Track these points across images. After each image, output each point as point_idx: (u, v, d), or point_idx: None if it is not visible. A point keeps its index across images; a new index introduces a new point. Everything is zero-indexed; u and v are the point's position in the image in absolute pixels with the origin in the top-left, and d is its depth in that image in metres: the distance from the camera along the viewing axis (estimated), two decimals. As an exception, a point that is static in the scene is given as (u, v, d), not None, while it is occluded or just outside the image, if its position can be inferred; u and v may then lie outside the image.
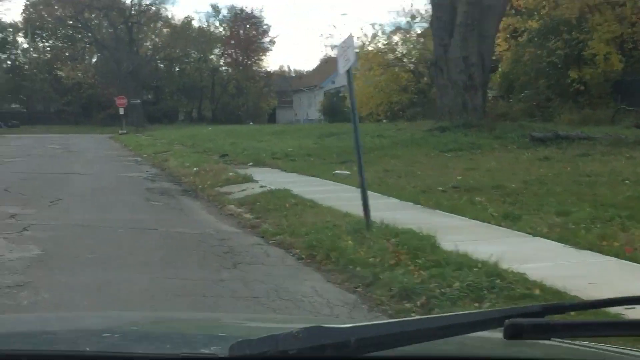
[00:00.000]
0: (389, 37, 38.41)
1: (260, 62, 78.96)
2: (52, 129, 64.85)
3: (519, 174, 13.09)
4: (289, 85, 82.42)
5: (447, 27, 20.60)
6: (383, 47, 38.71)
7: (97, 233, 8.65)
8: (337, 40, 77.60)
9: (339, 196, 11.55)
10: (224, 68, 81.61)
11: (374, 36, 38.94)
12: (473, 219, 8.91)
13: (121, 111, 49.42)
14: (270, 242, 8.46)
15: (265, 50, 76.66)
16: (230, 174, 15.25)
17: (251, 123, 63.11)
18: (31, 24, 79.62)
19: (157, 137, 39.69)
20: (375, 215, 8.42)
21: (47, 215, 9.93)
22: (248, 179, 14.20)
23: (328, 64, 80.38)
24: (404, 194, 11.20)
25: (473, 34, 20.25)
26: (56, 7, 71.30)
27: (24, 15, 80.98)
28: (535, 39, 29.11)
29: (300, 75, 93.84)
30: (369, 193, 12.10)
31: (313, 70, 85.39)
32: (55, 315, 3.67)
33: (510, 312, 1.35)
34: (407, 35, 37.92)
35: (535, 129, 20.09)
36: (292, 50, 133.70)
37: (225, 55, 77.96)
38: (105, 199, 12.47)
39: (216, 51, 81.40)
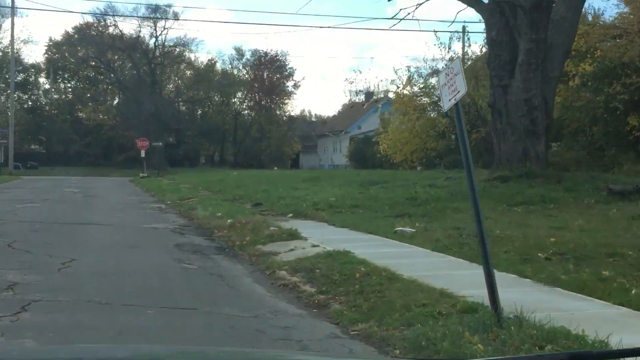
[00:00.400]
0: (425, 80, 36.50)
1: (284, 106, 77.48)
2: (71, 170, 63.35)
3: (623, 236, 10.86)
4: (312, 129, 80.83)
5: (506, 66, 18.57)
6: (419, 90, 36.79)
7: (118, 317, 6.50)
8: (361, 86, 75.67)
9: (415, 262, 9.37)
10: (246, 111, 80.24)
11: (410, 79, 37.07)
12: (619, 305, 6.68)
13: (142, 154, 47.78)
14: (352, 332, 6.28)
15: (289, 94, 75.14)
16: (272, 228, 13.14)
17: (275, 168, 61.28)
18: (53, 65, 79.02)
19: (180, 181, 37.81)
20: (478, 294, 6.27)
21: (55, 286, 7.81)
22: (294, 235, 12.07)
23: (353, 109, 79.00)
24: (498, 262, 8.97)
25: (536, 74, 18.20)
26: (79, 48, 70.47)
27: (46, 55, 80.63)
28: (589, 83, 27.01)
29: (323, 120, 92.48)
30: (451, 259, 9.99)
31: (337, 115, 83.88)
32: None
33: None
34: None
35: (609, 180, 17.86)
36: (314, 95, 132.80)
37: (248, 99, 76.58)
38: (128, 259, 10.36)
39: (239, 94, 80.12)
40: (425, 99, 36.58)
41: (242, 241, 12.27)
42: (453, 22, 73.96)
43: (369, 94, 77.62)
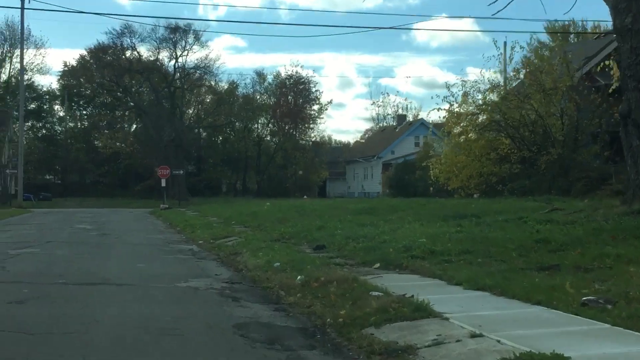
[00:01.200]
0: (484, 96, 32.11)
1: (309, 131, 73.35)
2: (87, 202, 59.43)
3: None
4: (337, 156, 76.49)
5: (645, 63, 14.16)
6: (476, 108, 32.40)
7: None
8: (390, 109, 71.43)
9: None
10: (269, 137, 76.20)
11: (465, 95, 32.70)
12: None
13: (163, 183, 43.70)
14: None
15: (314, 118, 71.02)
16: (375, 292, 8.69)
17: (305, 197, 56.95)
18: (68, 91, 75.60)
19: (207, 213, 33.59)
20: None
21: None
22: (423, 310, 7.62)
23: (384, 133, 74.76)
24: None
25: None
26: (95, 73, 66.78)
27: (61, 82, 77.28)
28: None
29: (347, 146, 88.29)
30: None
31: (366, 140, 79.62)
32: None
33: None
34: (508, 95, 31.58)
35: None
36: (333, 122, 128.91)
37: (272, 124, 72.52)
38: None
39: (261, 120, 76.13)
40: (484, 117, 32.16)
41: (337, 317, 7.83)
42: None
43: (401, 117, 73.57)
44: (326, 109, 70.50)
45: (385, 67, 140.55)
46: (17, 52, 71.23)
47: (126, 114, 71.96)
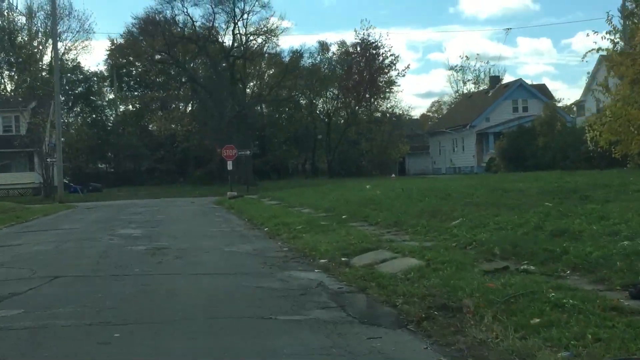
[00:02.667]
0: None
1: (385, 102, 64.64)
2: (141, 191, 52.33)
3: None
4: (411, 128, 67.59)
5: None
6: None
7: None
8: (470, 75, 62.43)
9: None
10: (338, 112, 67.78)
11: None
12: None
13: (229, 166, 35.76)
14: None
15: (390, 86, 62.22)
16: None
17: (393, 175, 48.59)
18: (117, 71, 68.63)
19: (290, 201, 25.70)
20: None
21: None
22: None
23: (473, 98, 65.52)
24: None
25: None
26: (144, 47, 59.09)
27: (109, 61, 70.38)
28: None
29: (426, 117, 79.28)
30: None
31: (451, 109, 70.43)
32: None
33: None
34: None
35: None
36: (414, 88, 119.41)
37: (341, 96, 64.00)
38: None
39: (329, 93, 67.60)
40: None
41: None
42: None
43: (494, 79, 64.16)
44: (403, 75, 61.57)
45: (434, 41, 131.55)
46: (60, 29, 64.55)
47: (181, 92, 64.19)
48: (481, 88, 70.74)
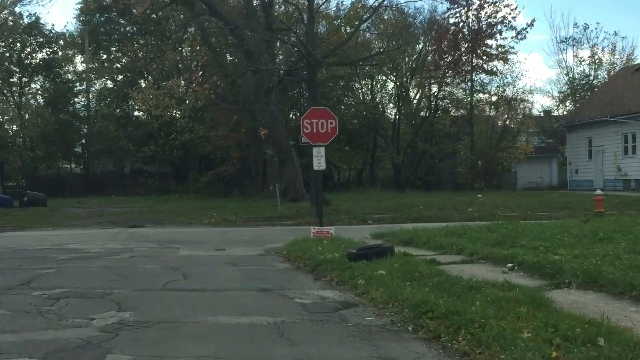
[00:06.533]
0: None
1: (490, 84, 43.39)
2: (116, 204, 31.45)
3: None
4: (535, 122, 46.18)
5: None
6: None
7: None
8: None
9: None
10: (415, 96, 46.48)
11: None
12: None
13: (319, 163, 14.17)
14: None
15: (503, 54, 40.96)
16: None
17: (480, 196, 27.47)
18: (91, 30, 47.79)
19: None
20: None
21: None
22: None
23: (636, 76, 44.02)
24: None
25: None
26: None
27: (81, 17, 49.43)
28: None
29: (546, 110, 57.78)
30: None
31: (595, 93, 48.71)
32: None
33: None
34: None
35: None
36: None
37: (423, 74, 42.29)
38: None
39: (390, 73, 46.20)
40: None
41: None
42: None
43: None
44: (522, 38, 40.07)
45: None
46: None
47: (184, 47, 41.78)
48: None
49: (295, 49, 25.32)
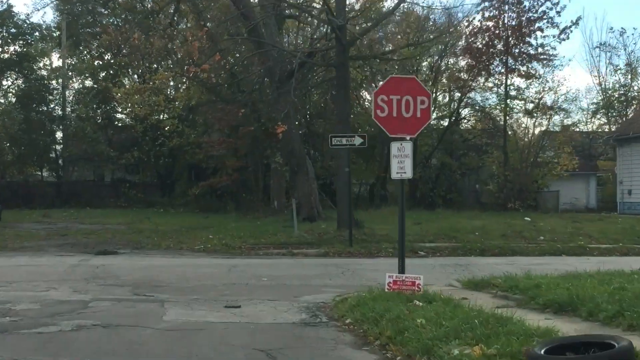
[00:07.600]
0: None
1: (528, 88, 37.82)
2: (87, 220, 25.56)
3: None
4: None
5: None
6: None
7: None
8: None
9: None
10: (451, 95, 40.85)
11: None
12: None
13: (398, 169, 8.57)
14: None
15: (542, 54, 35.44)
16: None
17: (528, 219, 22.02)
18: (70, 22, 42.32)
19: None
20: None
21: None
22: None
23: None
24: None
25: None
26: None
27: (60, 6, 43.84)
28: None
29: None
30: None
31: None
32: None
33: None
34: None
35: None
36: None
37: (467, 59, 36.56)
38: None
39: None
40: None
41: None
42: None
43: None
44: (566, 37, 34.57)
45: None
46: None
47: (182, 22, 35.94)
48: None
49: (322, 25, 19.77)
